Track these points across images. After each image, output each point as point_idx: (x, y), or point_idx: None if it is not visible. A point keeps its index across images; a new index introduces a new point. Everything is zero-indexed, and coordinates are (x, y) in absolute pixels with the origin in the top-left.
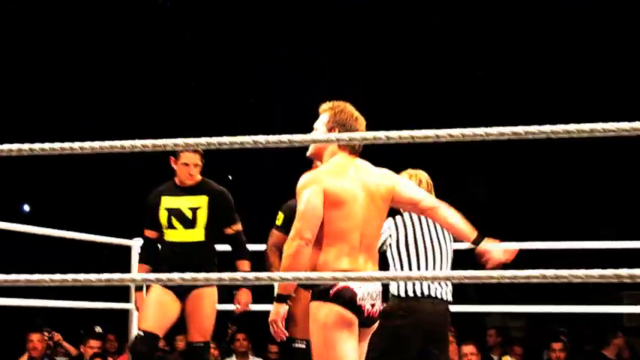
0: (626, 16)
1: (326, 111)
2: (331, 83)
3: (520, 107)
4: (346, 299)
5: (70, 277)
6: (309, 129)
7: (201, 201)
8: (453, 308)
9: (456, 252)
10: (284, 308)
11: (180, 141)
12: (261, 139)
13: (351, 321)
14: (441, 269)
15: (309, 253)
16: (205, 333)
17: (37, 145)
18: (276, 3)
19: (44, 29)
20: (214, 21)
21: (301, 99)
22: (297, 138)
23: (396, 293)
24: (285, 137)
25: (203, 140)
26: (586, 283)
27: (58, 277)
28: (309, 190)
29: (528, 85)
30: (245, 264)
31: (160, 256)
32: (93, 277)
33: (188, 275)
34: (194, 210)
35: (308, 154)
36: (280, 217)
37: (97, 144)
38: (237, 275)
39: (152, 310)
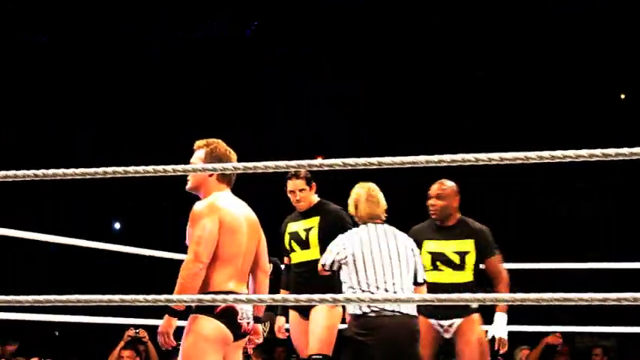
0: (625, 17)
1: (201, 147)
2: (331, 83)
3: (520, 107)
4: (230, 317)
5: (163, 297)
6: (308, 128)
7: (314, 222)
8: (543, 328)
9: None
10: (175, 322)
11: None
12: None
13: (228, 338)
14: (394, 283)
15: (204, 274)
16: (322, 345)
17: (131, 168)
18: (276, 3)
19: (44, 29)
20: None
21: (301, 99)
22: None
23: (351, 312)
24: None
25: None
26: None
27: (151, 297)
28: (208, 218)
29: (528, 86)
30: None
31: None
32: (186, 297)
33: (266, 296)
34: (307, 231)
35: (188, 187)
36: None
37: (189, 167)
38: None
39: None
